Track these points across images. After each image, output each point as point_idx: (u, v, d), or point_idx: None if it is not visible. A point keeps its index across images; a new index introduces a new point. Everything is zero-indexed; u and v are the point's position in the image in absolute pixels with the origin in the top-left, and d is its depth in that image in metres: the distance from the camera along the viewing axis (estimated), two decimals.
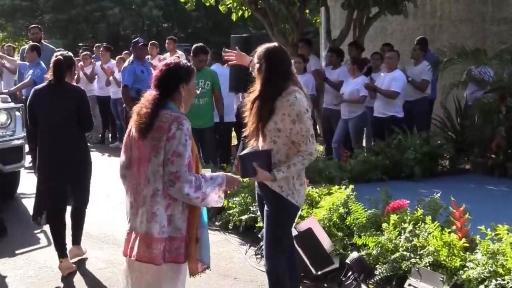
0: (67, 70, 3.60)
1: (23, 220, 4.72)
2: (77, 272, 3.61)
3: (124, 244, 2.30)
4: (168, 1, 21.02)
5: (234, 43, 5.96)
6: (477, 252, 2.97)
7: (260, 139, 2.55)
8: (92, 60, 8.99)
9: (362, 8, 7.05)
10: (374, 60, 6.40)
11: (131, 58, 6.33)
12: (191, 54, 5.59)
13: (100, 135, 9.03)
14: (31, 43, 6.95)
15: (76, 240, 3.77)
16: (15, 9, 20.91)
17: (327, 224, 3.63)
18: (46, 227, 4.43)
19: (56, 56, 3.61)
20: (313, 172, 4.63)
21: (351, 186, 3.84)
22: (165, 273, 2.20)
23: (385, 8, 6.94)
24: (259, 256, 3.73)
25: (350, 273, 3.20)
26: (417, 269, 2.94)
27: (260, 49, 2.53)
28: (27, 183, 5.78)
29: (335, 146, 6.15)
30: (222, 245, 4.00)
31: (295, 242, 2.94)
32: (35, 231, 4.38)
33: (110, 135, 9.03)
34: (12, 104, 5.20)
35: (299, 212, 2.90)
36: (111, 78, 8.31)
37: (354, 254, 3.24)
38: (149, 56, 8.41)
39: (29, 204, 5.17)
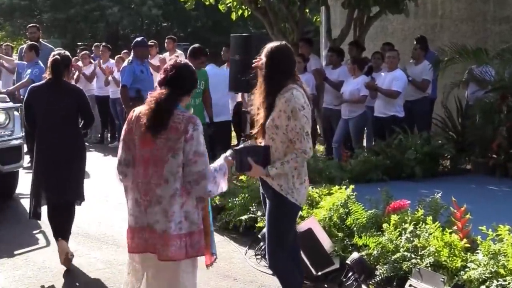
0: (65, 69, 3.66)
1: (22, 220, 4.70)
2: (77, 273, 3.59)
3: (128, 241, 2.33)
4: (167, 0, 21.00)
5: (234, 42, 5.95)
6: (478, 253, 2.95)
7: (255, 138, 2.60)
8: (92, 61, 8.97)
9: (362, 7, 7.03)
10: (375, 60, 6.37)
11: (131, 58, 6.30)
12: (191, 56, 5.53)
13: (99, 135, 9.01)
14: (29, 42, 6.93)
15: (65, 236, 3.71)
16: (14, 8, 20.88)
17: (328, 225, 3.61)
18: (46, 227, 4.43)
19: (54, 56, 3.66)
20: (313, 172, 4.62)
21: (352, 186, 3.82)
22: (184, 267, 2.27)
23: (386, 7, 6.92)
24: (259, 256, 3.72)
25: (350, 273, 3.19)
26: (418, 270, 2.93)
27: (267, 46, 2.55)
28: (26, 183, 5.77)
29: (336, 146, 6.13)
30: (222, 246, 3.99)
31: None
32: (34, 232, 4.37)
33: (109, 135, 9.01)
34: (10, 104, 5.18)
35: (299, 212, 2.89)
36: (110, 77, 8.28)
37: (355, 255, 3.23)
38: (149, 56, 8.38)
39: (27, 204, 5.15)
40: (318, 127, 7.62)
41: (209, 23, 21.39)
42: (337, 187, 4.02)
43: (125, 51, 8.94)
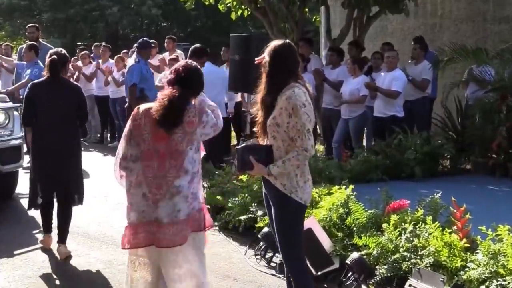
0: (62, 67, 3.78)
1: (21, 220, 4.70)
2: (76, 273, 3.59)
3: (128, 238, 2.35)
4: (167, 0, 20.99)
5: (234, 42, 5.95)
6: (478, 253, 2.95)
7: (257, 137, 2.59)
8: (91, 61, 8.96)
9: (362, 7, 7.03)
10: (374, 60, 6.37)
11: (136, 57, 6.36)
12: (194, 55, 5.52)
13: (98, 135, 9.01)
14: (28, 42, 6.92)
15: (63, 239, 3.82)
16: (13, 8, 20.87)
17: (327, 224, 3.61)
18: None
19: (51, 55, 3.77)
20: (313, 172, 4.57)
21: (351, 186, 3.82)
22: (198, 241, 2.48)
23: (386, 7, 6.92)
24: (258, 256, 3.71)
25: (350, 273, 3.19)
26: (417, 270, 2.93)
27: (271, 45, 2.54)
28: (26, 183, 5.77)
29: (335, 146, 6.13)
30: (222, 246, 3.98)
31: None
32: (34, 232, 4.37)
33: (108, 134, 9.00)
34: (10, 104, 5.18)
35: None
36: (109, 78, 8.28)
37: (354, 255, 3.22)
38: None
39: (27, 204, 5.15)
40: (318, 127, 7.62)
41: (209, 23, 21.38)
42: (337, 187, 4.02)
43: (124, 51, 8.94)
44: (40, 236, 4.25)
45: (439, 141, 5.75)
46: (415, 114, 6.20)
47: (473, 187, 5.16)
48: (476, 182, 5.33)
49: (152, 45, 8.14)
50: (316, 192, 4.11)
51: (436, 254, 3.00)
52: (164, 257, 2.41)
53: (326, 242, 3.37)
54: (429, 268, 2.94)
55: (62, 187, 3.80)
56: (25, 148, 5.35)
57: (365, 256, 3.23)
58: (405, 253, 3.09)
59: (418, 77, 6.21)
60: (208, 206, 2.79)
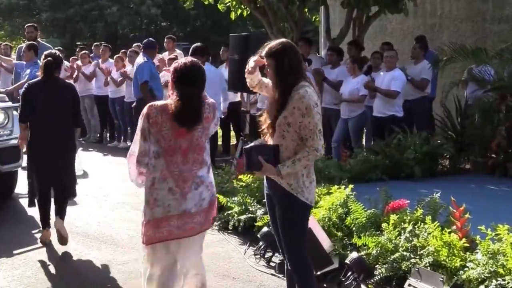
0: (56, 69, 4.01)
1: (21, 220, 4.70)
2: (76, 273, 3.59)
3: (149, 233, 2.45)
4: None
5: (233, 42, 5.95)
6: (477, 252, 2.95)
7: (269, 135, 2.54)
8: (91, 60, 8.95)
9: (362, 6, 7.03)
10: (374, 59, 6.37)
11: (144, 56, 6.45)
12: (197, 53, 5.52)
13: (98, 135, 9.00)
14: (27, 42, 6.91)
15: (61, 215, 4.05)
16: (12, 8, 20.84)
17: (327, 224, 3.61)
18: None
19: (46, 57, 4.00)
20: None
21: (351, 186, 3.82)
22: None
23: (385, 7, 6.92)
24: (258, 256, 3.71)
25: (349, 273, 3.18)
26: (417, 269, 2.93)
27: (273, 45, 2.50)
28: (25, 183, 5.76)
29: (335, 145, 6.13)
30: (221, 245, 3.98)
31: None
32: (33, 231, 4.37)
33: (108, 134, 9.00)
34: (9, 104, 5.17)
35: None
36: (109, 77, 8.27)
37: (354, 254, 3.22)
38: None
39: (27, 204, 5.14)
40: None
41: (208, 23, 21.36)
42: (336, 186, 4.01)
43: (123, 50, 8.93)
44: (39, 236, 4.25)
45: (439, 141, 5.75)
46: (415, 114, 6.20)
47: (473, 186, 5.16)
48: (475, 181, 5.33)
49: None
50: (316, 192, 4.10)
51: (435, 253, 3.00)
52: (183, 248, 2.54)
53: (325, 241, 3.37)
54: (429, 267, 2.94)
55: (57, 181, 3.99)
56: (24, 148, 5.35)
57: (364, 256, 3.23)
58: (405, 253, 3.09)
59: (418, 76, 6.21)
60: None
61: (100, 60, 8.71)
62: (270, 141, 2.55)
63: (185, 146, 2.45)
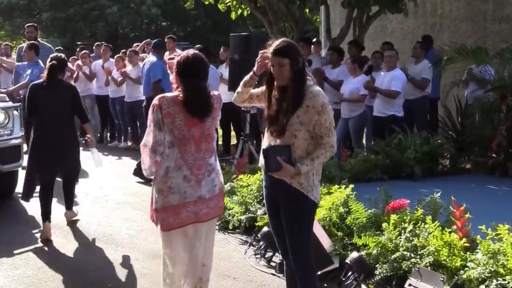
0: (60, 71, 4.25)
1: (21, 220, 4.70)
2: (76, 272, 3.59)
3: (179, 217, 2.53)
4: None
5: (233, 41, 5.95)
6: (477, 252, 2.95)
7: (271, 136, 2.51)
8: (91, 60, 8.95)
9: (362, 6, 7.03)
10: (374, 59, 6.37)
11: (154, 56, 6.52)
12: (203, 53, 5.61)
13: (98, 135, 9.00)
14: (28, 41, 6.91)
15: (69, 206, 4.50)
16: (13, 8, 20.86)
17: (327, 224, 3.61)
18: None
19: (51, 59, 4.21)
20: None
21: (351, 186, 3.82)
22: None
23: (385, 7, 6.92)
24: (258, 256, 3.71)
25: (350, 273, 3.18)
26: (417, 269, 2.93)
27: (286, 44, 2.47)
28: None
29: None
30: (221, 245, 3.98)
31: None
32: (34, 231, 4.37)
33: (108, 134, 9.00)
34: (10, 103, 5.17)
35: None
36: (109, 77, 8.27)
37: (354, 254, 3.22)
38: (145, 55, 8.39)
39: (27, 203, 5.14)
40: None
41: (209, 23, 21.37)
42: (336, 186, 4.01)
43: (123, 50, 8.93)
44: (39, 236, 4.26)
45: (439, 141, 5.75)
46: (415, 114, 6.20)
47: (473, 186, 5.16)
48: (475, 181, 5.32)
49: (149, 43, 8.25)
50: None
51: (435, 253, 3.00)
52: (199, 233, 2.65)
53: (326, 241, 3.37)
54: (429, 267, 2.94)
55: (63, 171, 4.28)
56: (25, 148, 5.36)
57: (365, 256, 3.23)
58: (405, 253, 3.09)
59: (418, 76, 6.21)
60: None
61: (101, 60, 8.72)
62: (273, 143, 2.52)
63: (198, 135, 2.56)
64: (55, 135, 4.11)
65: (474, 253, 2.96)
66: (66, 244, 4.08)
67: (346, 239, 3.49)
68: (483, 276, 2.72)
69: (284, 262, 2.71)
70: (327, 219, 3.63)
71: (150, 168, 2.58)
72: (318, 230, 3.38)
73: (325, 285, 3.28)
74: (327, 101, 2.45)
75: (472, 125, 5.92)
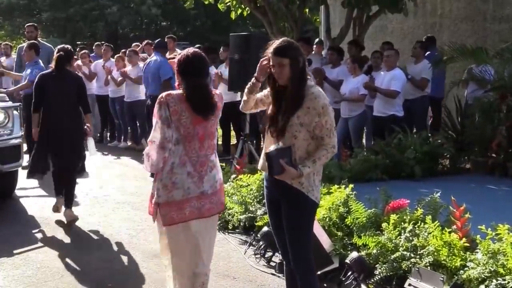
0: (67, 62, 4.52)
1: (21, 219, 4.70)
2: (76, 272, 3.59)
3: (182, 212, 2.57)
4: None
5: (233, 41, 5.95)
6: (477, 252, 2.95)
7: (271, 137, 2.51)
8: (91, 60, 8.94)
9: (362, 6, 7.03)
10: (374, 59, 6.37)
11: (158, 55, 6.56)
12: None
13: (98, 134, 9.00)
14: (28, 41, 6.90)
15: (68, 204, 4.51)
16: (13, 8, 20.86)
17: (327, 224, 3.61)
18: (45, 227, 4.43)
19: (59, 51, 4.48)
20: None
21: (351, 186, 3.81)
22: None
23: (385, 7, 6.92)
24: (258, 255, 3.71)
25: (349, 273, 3.18)
26: (417, 269, 2.93)
27: (287, 44, 2.46)
28: (25, 183, 5.76)
29: None
30: (221, 245, 3.98)
31: None
32: (33, 231, 4.37)
33: (108, 134, 8.99)
34: (10, 103, 5.16)
35: None
36: (109, 77, 8.26)
37: (354, 254, 3.22)
38: (145, 55, 8.39)
39: (27, 203, 5.15)
40: None
41: (209, 22, 21.37)
42: (336, 186, 4.01)
43: (123, 50, 8.93)
44: (39, 236, 4.26)
45: (439, 141, 5.75)
46: (414, 113, 6.20)
47: (473, 186, 5.16)
48: (475, 181, 5.32)
49: (148, 43, 8.24)
50: None
51: (435, 253, 3.00)
52: (202, 228, 2.68)
53: (325, 241, 3.37)
54: (429, 267, 2.94)
55: (66, 163, 4.44)
56: (25, 147, 5.36)
57: (364, 256, 3.23)
58: (405, 253, 3.09)
59: (418, 76, 6.21)
60: None
61: (102, 60, 8.71)
62: (274, 144, 2.51)
63: (202, 133, 2.61)
64: (62, 123, 4.35)
65: (474, 253, 2.96)
66: (66, 244, 4.08)
67: (346, 239, 3.48)
68: (483, 276, 2.72)
69: (284, 263, 2.71)
70: (327, 219, 3.63)
71: (158, 164, 2.59)
72: (318, 230, 3.38)
73: (325, 285, 3.28)
74: (328, 103, 2.44)
75: (472, 125, 5.92)
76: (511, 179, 5.29)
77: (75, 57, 9.42)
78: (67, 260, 3.79)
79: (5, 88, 6.71)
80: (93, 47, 10.04)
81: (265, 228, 3.74)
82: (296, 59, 2.43)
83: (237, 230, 4.23)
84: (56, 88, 4.39)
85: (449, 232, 3.11)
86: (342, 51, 6.91)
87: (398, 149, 5.50)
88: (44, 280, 3.45)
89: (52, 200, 4.67)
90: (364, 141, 6.52)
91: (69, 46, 4.68)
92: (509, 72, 5.77)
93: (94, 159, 5.82)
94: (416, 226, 3.27)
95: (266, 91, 2.61)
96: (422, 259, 3.01)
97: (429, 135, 5.84)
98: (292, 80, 2.44)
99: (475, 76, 6.19)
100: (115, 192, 5.59)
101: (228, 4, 8.37)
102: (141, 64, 7.72)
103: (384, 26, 9.13)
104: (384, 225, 3.37)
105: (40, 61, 6.30)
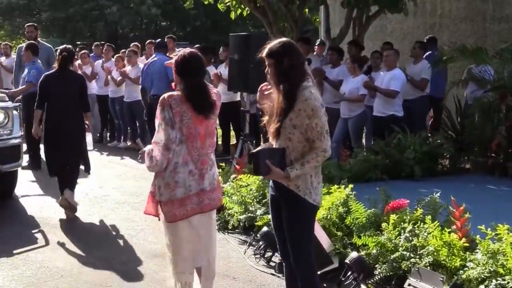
0: (70, 62, 4.71)
1: (21, 220, 4.70)
2: (76, 272, 3.59)
3: (184, 208, 2.64)
4: None
5: (233, 41, 5.95)
6: (477, 252, 2.95)
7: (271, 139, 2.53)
8: (91, 60, 8.94)
9: (362, 6, 7.04)
10: (374, 59, 6.37)
11: (160, 55, 6.56)
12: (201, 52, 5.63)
13: (98, 134, 8.99)
14: (27, 41, 6.90)
15: (71, 187, 4.64)
16: (12, 8, 20.88)
17: (327, 224, 3.61)
18: (45, 226, 4.43)
19: (62, 52, 4.64)
20: None
21: (351, 186, 3.81)
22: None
23: (385, 7, 6.92)
24: (258, 256, 3.71)
25: (349, 273, 3.18)
26: (417, 269, 2.93)
27: (274, 45, 2.47)
28: (25, 183, 5.76)
29: (335, 145, 6.11)
30: (221, 245, 3.98)
31: None
32: (33, 231, 4.37)
33: (108, 134, 8.99)
34: (9, 103, 5.17)
35: None
36: (109, 77, 8.26)
37: (354, 254, 3.22)
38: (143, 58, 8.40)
39: (27, 203, 5.15)
40: None
41: (208, 22, 21.37)
42: (336, 186, 4.01)
43: (123, 50, 8.92)
44: (39, 236, 4.26)
45: (439, 141, 5.75)
46: (414, 114, 6.20)
47: (473, 186, 5.16)
48: (475, 181, 5.32)
49: (148, 43, 8.23)
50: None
51: (435, 253, 3.00)
52: (203, 223, 2.75)
53: (325, 241, 3.37)
54: (428, 267, 2.94)
55: (67, 160, 4.59)
56: (24, 147, 5.36)
57: (364, 256, 3.23)
58: (404, 253, 3.09)
59: (418, 76, 6.21)
60: None
61: (102, 60, 8.71)
62: (275, 144, 2.52)
63: (203, 132, 2.68)
64: (65, 122, 4.51)
65: (473, 253, 2.96)
66: (66, 244, 4.08)
67: (346, 239, 3.49)
68: (483, 276, 2.72)
69: (283, 263, 2.70)
70: (327, 219, 3.63)
71: (162, 164, 2.64)
72: (317, 230, 3.38)
73: (325, 285, 3.27)
74: (319, 105, 2.40)
75: (471, 125, 5.92)
76: (511, 179, 5.30)
77: (75, 57, 9.45)
78: (67, 260, 3.79)
79: (5, 88, 6.71)
80: (93, 47, 10.04)
81: (265, 228, 3.74)
82: (279, 60, 2.43)
83: (236, 230, 4.23)
84: (60, 87, 4.56)
85: (449, 232, 3.11)
86: (342, 51, 6.91)
87: (397, 149, 5.50)
88: (44, 280, 3.45)
89: (52, 200, 4.68)
90: (363, 141, 6.52)
91: (71, 46, 4.86)
92: (509, 72, 5.77)
93: (94, 159, 5.83)
94: (415, 226, 3.27)
95: None
96: (422, 259, 3.01)
97: (429, 135, 5.83)
98: (278, 81, 2.44)
99: (474, 76, 6.20)
100: (114, 192, 5.59)
101: (228, 4, 8.37)
102: (141, 64, 7.72)
103: (384, 26, 9.13)
104: (383, 225, 3.37)
105: (39, 61, 6.30)
